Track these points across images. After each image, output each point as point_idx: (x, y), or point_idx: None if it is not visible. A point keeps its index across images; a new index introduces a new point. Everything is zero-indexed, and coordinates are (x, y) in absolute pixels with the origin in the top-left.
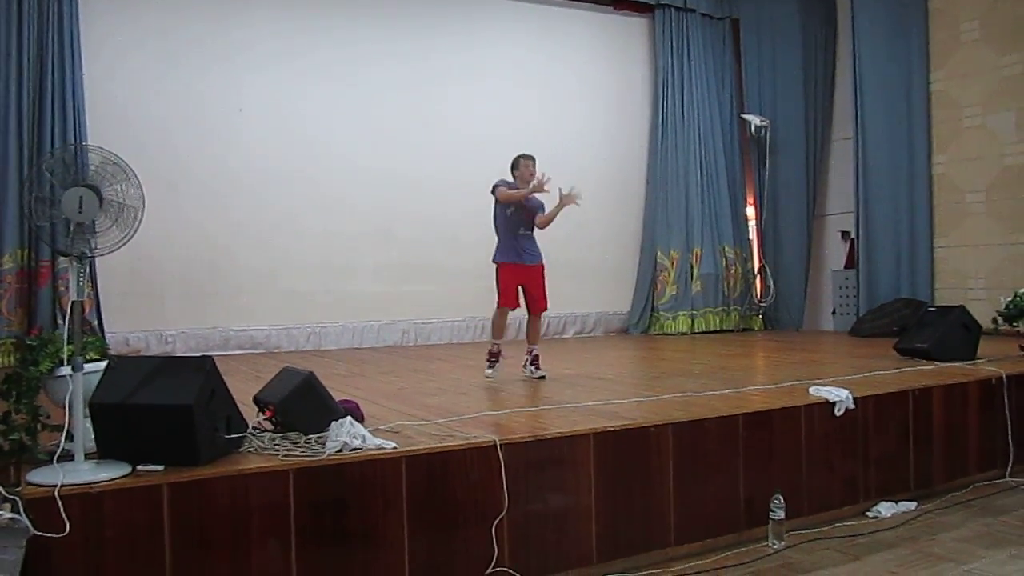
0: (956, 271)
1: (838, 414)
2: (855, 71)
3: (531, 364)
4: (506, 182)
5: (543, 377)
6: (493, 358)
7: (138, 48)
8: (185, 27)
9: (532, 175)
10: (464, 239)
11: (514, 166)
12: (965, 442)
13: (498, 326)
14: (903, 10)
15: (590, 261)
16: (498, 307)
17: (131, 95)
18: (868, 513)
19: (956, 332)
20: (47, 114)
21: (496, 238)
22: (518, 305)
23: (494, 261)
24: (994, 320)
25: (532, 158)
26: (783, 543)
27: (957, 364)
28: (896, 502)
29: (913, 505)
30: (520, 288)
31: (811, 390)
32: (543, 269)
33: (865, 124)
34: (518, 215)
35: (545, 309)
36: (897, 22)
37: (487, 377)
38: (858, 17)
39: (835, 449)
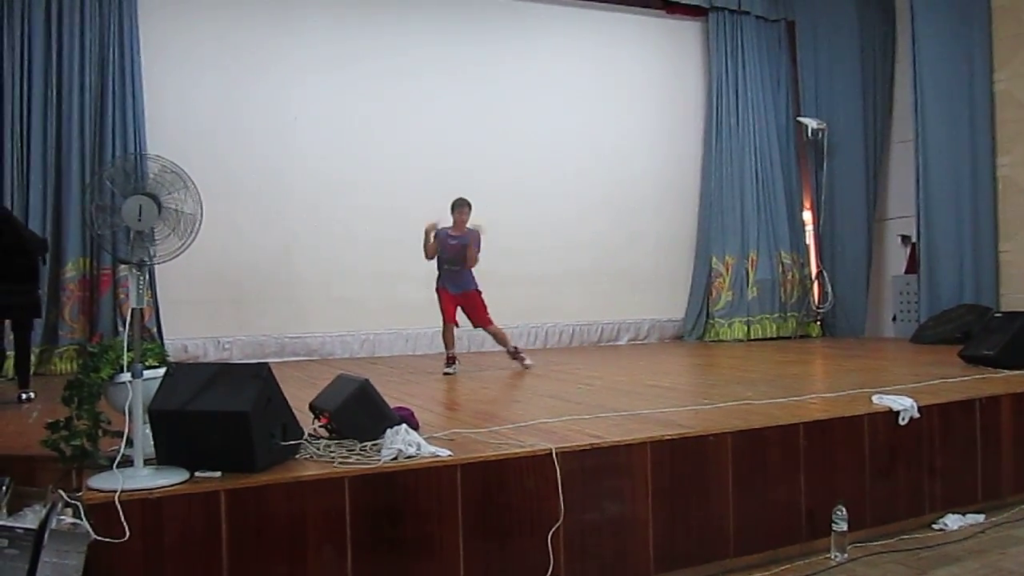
0: (1022, 275)
1: (903, 423)
2: (915, 71)
3: (515, 359)
4: (445, 230)
5: (529, 365)
6: (450, 361)
7: (195, 58)
8: (240, 36)
9: (464, 223)
10: (517, 246)
11: (452, 207)
12: None
13: (446, 339)
14: (965, 8)
15: (644, 267)
16: (444, 323)
17: (188, 104)
18: (934, 525)
19: None
20: (108, 124)
21: None
22: (457, 323)
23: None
24: None
25: (467, 206)
26: (846, 555)
27: None
28: (963, 514)
29: (981, 517)
30: (460, 308)
31: (874, 398)
32: (475, 294)
33: (926, 126)
34: (445, 254)
35: (488, 324)
36: (958, 20)
37: (446, 374)
38: (918, 16)
39: (899, 459)
